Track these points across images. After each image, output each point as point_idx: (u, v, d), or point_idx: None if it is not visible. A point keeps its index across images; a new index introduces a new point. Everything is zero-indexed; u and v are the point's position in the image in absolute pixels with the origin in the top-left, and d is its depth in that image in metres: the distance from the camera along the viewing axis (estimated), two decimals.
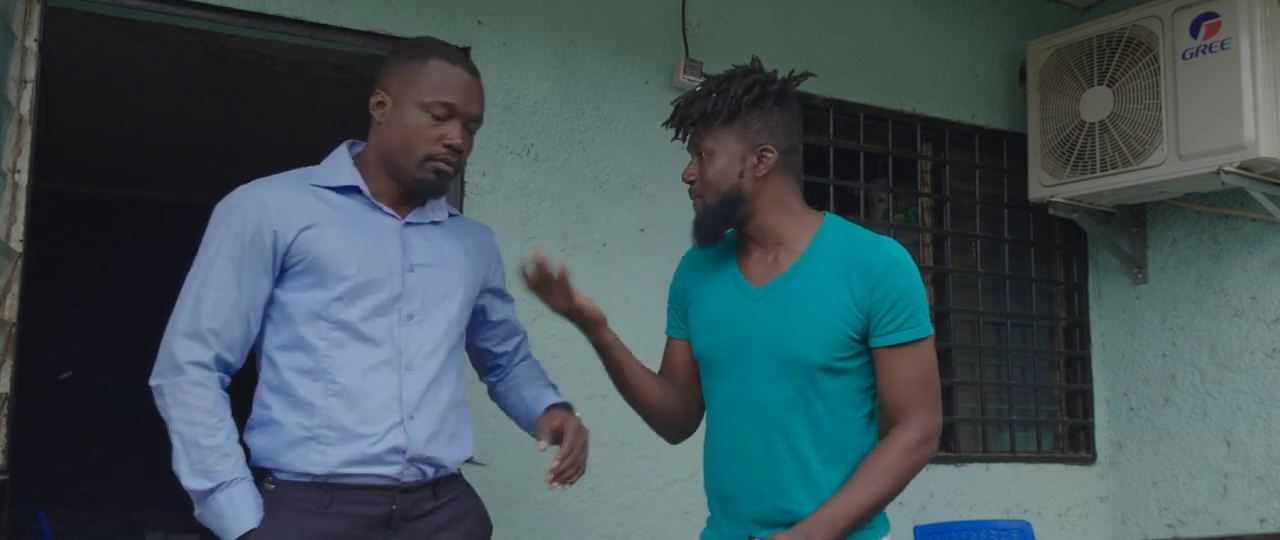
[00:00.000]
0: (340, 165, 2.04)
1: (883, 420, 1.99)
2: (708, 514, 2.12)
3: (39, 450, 6.53)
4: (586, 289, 3.30)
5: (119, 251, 7.16)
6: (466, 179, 3.13)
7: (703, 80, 2.08)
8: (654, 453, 3.29)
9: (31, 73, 2.62)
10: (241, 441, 1.92)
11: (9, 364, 2.54)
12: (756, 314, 1.98)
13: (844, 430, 1.94)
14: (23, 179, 2.59)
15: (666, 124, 2.07)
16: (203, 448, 1.83)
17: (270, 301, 1.96)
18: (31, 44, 2.63)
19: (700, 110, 1.99)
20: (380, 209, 2.02)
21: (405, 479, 1.94)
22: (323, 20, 2.99)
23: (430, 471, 1.98)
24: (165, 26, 3.86)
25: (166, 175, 6.65)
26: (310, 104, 5.02)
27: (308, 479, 1.89)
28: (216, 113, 5.25)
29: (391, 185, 2.03)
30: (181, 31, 4.00)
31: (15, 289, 2.55)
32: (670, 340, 2.20)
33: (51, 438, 6.76)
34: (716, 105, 1.97)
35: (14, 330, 2.54)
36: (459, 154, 2.01)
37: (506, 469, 3.03)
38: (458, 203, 3.11)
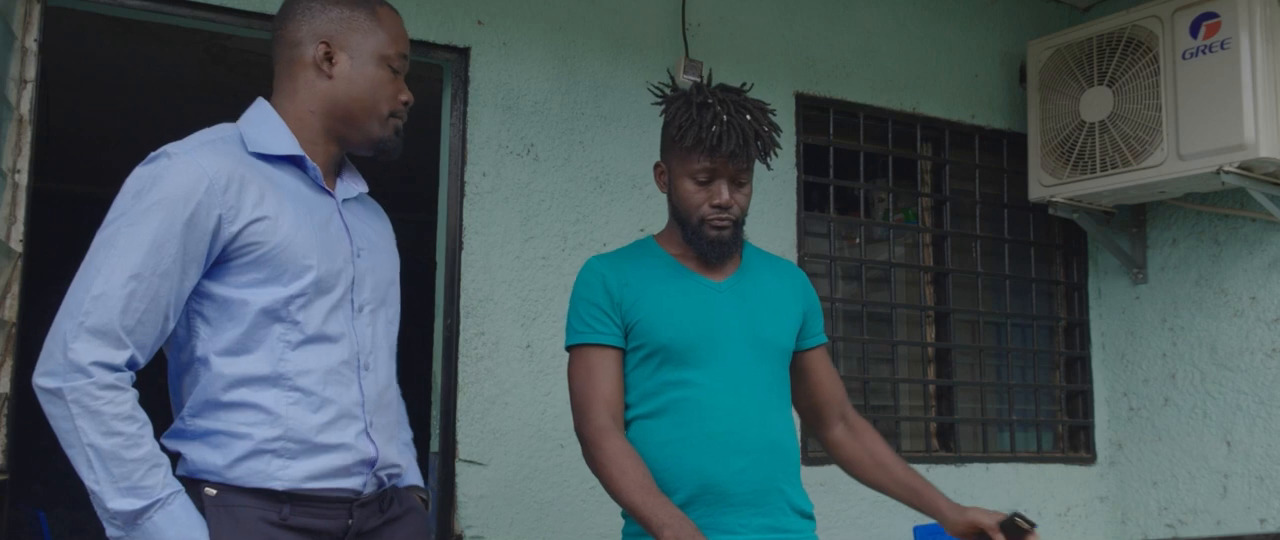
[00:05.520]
0: (274, 128, 1.76)
1: (807, 416, 2.24)
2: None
3: (39, 450, 6.52)
4: None
5: None
6: (466, 179, 3.12)
7: (726, 98, 2.07)
8: None
9: (31, 73, 2.62)
10: (167, 450, 1.66)
11: (9, 364, 2.54)
12: (727, 304, 2.08)
13: (790, 415, 2.14)
14: (23, 179, 2.59)
15: (740, 152, 2.02)
16: (127, 462, 1.55)
17: (203, 295, 1.66)
18: (31, 44, 2.63)
19: (767, 144, 2.05)
20: (320, 185, 1.78)
21: (366, 491, 1.74)
22: None
23: (388, 480, 1.80)
24: (165, 26, 3.85)
25: None
26: None
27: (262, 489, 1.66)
28: (216, 113, 5.22)
29: (329, 153, 1.80)
30: (181, 31, 4.00)
31: (15, 289, 2.55)
32: (604, 349, 2.04)
33: (51, 438, 6.74)
34: (771, 140, 2.06)
35: (14, 330, 2.55)
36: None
37: (506, 468, 3.03)
38: (457, 203, 3.11)
